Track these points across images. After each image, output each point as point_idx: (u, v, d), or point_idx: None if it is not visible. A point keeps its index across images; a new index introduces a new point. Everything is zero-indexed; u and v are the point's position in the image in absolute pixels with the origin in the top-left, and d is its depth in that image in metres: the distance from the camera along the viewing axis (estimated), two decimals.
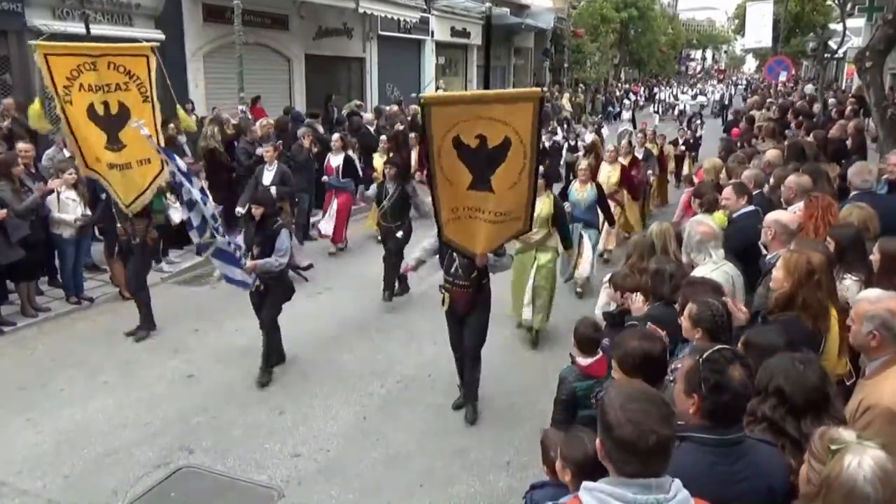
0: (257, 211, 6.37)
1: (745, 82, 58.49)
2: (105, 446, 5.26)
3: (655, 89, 41.75)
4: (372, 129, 14.31)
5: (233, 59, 13.62)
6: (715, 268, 4.13)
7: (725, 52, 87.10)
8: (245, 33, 13.56)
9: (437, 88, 23.51)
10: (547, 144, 14.15)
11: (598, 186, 8.84)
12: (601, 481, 1.98)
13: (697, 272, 4.09)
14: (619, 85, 41.25)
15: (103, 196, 7.87)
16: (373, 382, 6.50)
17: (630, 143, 11.93)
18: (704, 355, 2.39)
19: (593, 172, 9.51)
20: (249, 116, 12.97)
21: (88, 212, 8.01)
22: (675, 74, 59.87)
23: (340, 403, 6.09)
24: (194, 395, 6.29)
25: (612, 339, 3.95)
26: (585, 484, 2.00)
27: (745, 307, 3.81)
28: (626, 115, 23.15)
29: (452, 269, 5.64)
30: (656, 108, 35.48)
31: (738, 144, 10.94)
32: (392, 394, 6.32)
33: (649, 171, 12.02)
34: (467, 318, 5.76)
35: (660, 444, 1.90)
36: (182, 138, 10.59)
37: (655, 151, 12.96)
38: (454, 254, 5.60)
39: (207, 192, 8.30)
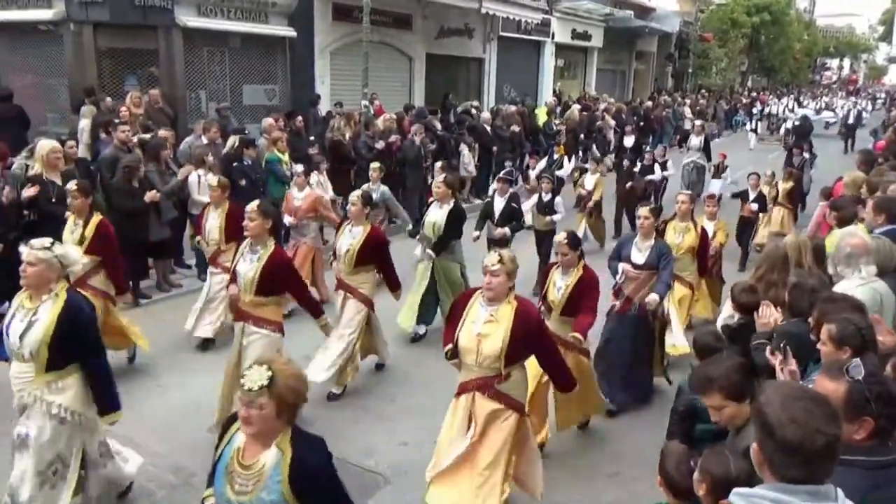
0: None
1: (884, 95, 54.09)
2: None
3: (782, 99, 36.85)
4: (488, 128, 14.37)
5: (357, 56, 14.03)
6: (862, 283, 3.81)
7: (865, 61, 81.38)
8: (370, 31, 13.96)
9: (555, 92, 23.34)
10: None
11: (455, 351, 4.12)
12: (759, 487, 1.80)
13: (840, 287, 3.80)
14: (747, 93, 39.25)
15: (242, 182, 8.34)
16: None
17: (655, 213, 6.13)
18: (862, 374, 2.16)
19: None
20: (372, 111, 13.35)
21: None
22: (808, 84, 56.39)
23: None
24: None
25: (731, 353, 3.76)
26: (738, 490, 1.85)
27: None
28: (696, 141, 14.34)
29: None
30: (753, 126, 27.86)
31: (883, 158, 10.17)
32: None
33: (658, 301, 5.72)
34: None
35: (828, 446, 1.74)
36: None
37: (690, 240, 6.89)
38: None
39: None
